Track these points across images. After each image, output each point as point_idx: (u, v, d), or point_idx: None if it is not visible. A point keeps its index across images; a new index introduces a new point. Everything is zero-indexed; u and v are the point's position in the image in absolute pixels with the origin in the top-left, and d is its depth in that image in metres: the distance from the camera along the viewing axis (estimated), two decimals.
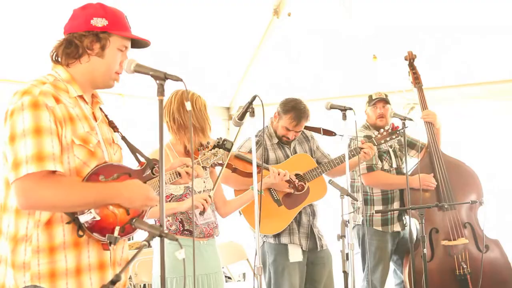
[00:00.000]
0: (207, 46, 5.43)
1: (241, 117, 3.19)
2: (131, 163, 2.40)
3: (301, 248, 4.01)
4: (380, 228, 4.50)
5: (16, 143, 2.00)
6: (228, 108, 6.66)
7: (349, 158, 3.81)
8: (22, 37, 4.13)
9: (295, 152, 4.16)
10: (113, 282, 1.75)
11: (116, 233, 2.12)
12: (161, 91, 2.04)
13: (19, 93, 2.07)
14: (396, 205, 4.48)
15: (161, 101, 2.03)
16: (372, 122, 4.62)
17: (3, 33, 4.06)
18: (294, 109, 4.00)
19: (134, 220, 2.07)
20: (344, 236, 3.13)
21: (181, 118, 3.19)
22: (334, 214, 3.91)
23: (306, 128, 4.18)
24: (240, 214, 3.83)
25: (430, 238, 4.35)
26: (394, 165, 4.56)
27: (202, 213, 3.14)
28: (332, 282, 4.19)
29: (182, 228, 3.19)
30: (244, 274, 5.56)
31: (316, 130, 4.22)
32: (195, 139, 3.18)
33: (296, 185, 3.85)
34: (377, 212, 4.37)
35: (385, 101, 4.59)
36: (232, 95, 6.54)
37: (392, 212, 4.47)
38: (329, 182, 3.62)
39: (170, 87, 2.27)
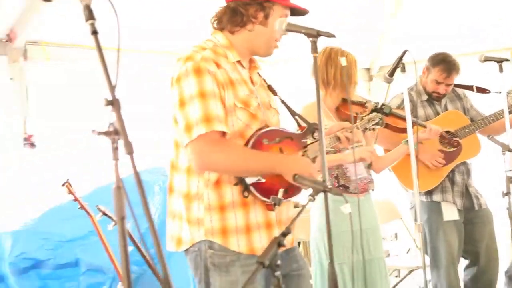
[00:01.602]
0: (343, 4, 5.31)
1: (391, 73, 3.13)
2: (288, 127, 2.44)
3: (456, 206, 3.86)
4: None
5: (185, 107, 2.11)
6: (368, 69, 6.52)
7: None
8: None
9: (446, 110, 3.99)
10: (284, 234, 1.81)
11: (280, 195, 2.17)
12: (314, 48, 2.09)
13: (183, 59, 2.17)
14: None
15: (315, 58, 2.11)
16: None
17: (167, 8, 4.26)
18: (443, 62, 3.83)
19: (296, 176, 2.11)
20: (510, 193, 2.98)
21: (329, 75, 3.20)
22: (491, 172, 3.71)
23: (458, 86, 3.98)
24: (390, 171, 3.77)
25: None
26: None
27: (369, 165, 3.14)
28: (495, 242, 3.98)
29: (337, 184, 3.20)
30: (396, 234, 5.46)
31: (469, 88, 4.00)
32: (339, 95, 3.22)
33: (451, 141, 3.71)
34: None
35: None
36: (372, 56, 6.37)
37: None
38: (488, 137, 3.44)
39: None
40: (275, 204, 2.17)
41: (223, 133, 2.12)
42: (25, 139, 4.42)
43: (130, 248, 3.56)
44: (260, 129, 2.22)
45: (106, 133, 1.33)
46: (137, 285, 3.35)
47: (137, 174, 1.34)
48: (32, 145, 4.41)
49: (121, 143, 1.33)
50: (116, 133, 1.32)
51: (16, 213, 3.70)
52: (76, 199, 3.01)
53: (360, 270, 3.08)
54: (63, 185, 3.01)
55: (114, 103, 1.33)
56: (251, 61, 2.38)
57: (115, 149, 1.34)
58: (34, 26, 4.22)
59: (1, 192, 3.97)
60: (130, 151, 1.32)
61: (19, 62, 4.32)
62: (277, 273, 1.75)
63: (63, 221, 3.61)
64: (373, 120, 2.96)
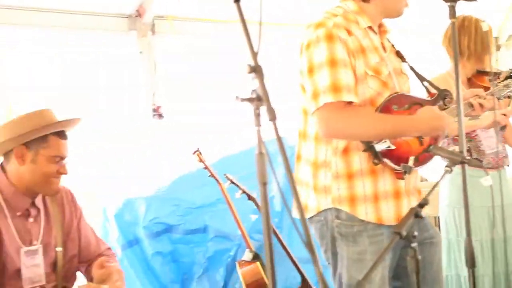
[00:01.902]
0: None
1: None
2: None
3: None
4: None
5: (314, 74, 2.08)
6: (496, 38, 6.15)
7: None
8: None
9: None
10: (421, 205, 1.75)
11: (410, 163, 2.10)
12: (452, 14, 2.01)
13: (313, 25, 2.13)
14: None
15: (453, 24, 2.03)
16: None
17: None
18: None
19: (431, 147, 2.03)
20: None
21: (463, 44, 3.02)
22: None
23: None
24: None
25: None
26: None
27: (503, 128, 2.96)
28: None
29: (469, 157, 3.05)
30: None
31: None
32: (473, 66, 3.01)
33: None
34: None
35: None
36: (499, 24, 6.00)
37: None
38: None
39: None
40: (405, 172, 2.11)
41: (349, 102, 2.06)
42: (154, 110, 4.62)
43: (255, 216, 3.65)
44: (390, 95, 2.15)
45: (250, 100, 1.34)
46: (262, 252, 3.41)
47: (280, 140, 1.34)
48: (160, 116, 4.61)
49: (263, 109, 1.34)
50: (259, 99, 1.33)
51: (149, 180, 3.88)
52: (206, 167, 3.10)
53: (500, 248, 2.93)
54: (194, 153, 3.10)
55: (257, 69, 1.34)
56: (380, 25, 2.30)
57: (258, 116, 1.35)
58: (161, 2, 4.37)
59: (133, 161, 4.20)
60: (273, 117, 1.32)
61: (147, 36, 4.51)
62: (414, 244, 1.71)
63: (193, 188, 3.74)
64: (508, 87, 2.78)
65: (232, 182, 3.14)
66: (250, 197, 3.18)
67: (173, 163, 4.07)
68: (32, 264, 2.26)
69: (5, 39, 3.87)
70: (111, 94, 4.43)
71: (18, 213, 2.26)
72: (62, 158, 2.28)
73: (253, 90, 1.35)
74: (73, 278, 2.45)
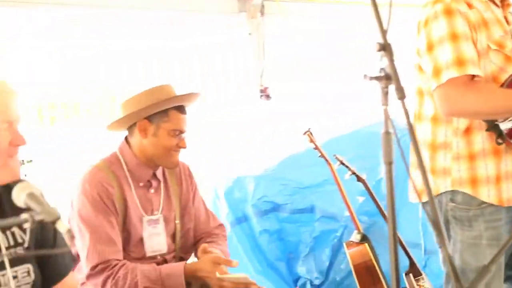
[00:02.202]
0: None
1: None
2: None
3: None
4: None
5: (434, 50, 2.01)
6: None
7: None
8: None
9: None
10: None
11: None
12: None
13: (431, 2, 2.06)
14: None
15: None
16: None
17: None
18: None
19: None
20: None
21: None
22: None
23: None
24: None
25: None
26: None
27: None
28: None
29: None
30: None
31: None
32: None
33: None
34: None
35: None
36: None
37: None
38: None
39: None
40: None
41: (473, 77, 1.98)
42: (261, 91, 4.67)
43: (362, 198, 3.61)
44: None
45: (377, 78, 1.32)
46: (369, 234, 3.37)
47: (409, 119, 1.31)
48: (268, 96, 4.65)
49: (392, 88, 1.32)
50: (387, 78, 1.31)
51: (258, 159, 3.94)
52: (316, 148, 3.10)
53: None
54: (305, 133, 3.11)
55: (386, 47, 1.31)
56: None
57: (386, 94, 1.33)
58: None
59: (241, 140, 4.28)
60: (402, 96, 1.29)
61: (257, 17, 4.55)
62: None
63: (301, 168, 3.75)
64: None
65: (342, 163, 3.12)
66: (359, 179, 3.15)
67: (280, 143, 4.10)
68: (154, 233, 2.37)
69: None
70: (220, 75, 4.52)
71: (141, 184, 2.37)
72: (182, 132, 2.35)
73: (382, 69, 1.33)
74: (190, 250, 2.54)
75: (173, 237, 2.45)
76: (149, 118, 2.31)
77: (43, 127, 3.56)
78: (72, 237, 1.23)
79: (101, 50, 3.66)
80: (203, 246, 2.34)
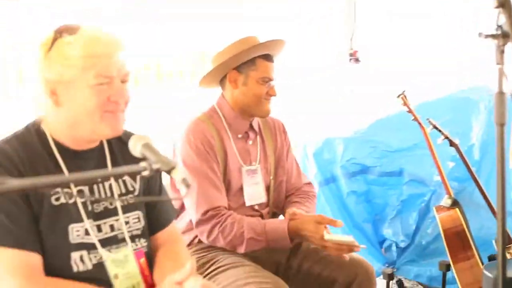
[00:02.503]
0: None
1: None
2: None
3: None
4: None
5: None
6: None
7: None
8: None
9: None
10: None
11: None
12: None
13: None
14: None
15: None
16: None
17: None
18: None
19: None
20: None
21: None
22: None
23: None
24: None
25: None
26: None
27: None
28: None
29: None
30: None
31: None
32: None
33: None
34: None
35: None
36: None
37: None
38: None
39: None
40: None
41: None
42: (351, 54, 4.59)
43: (452, 163, 3.50)
44: None
45: (494, 36, 1.25)
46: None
47: None
48: (357, 60, 4.56)
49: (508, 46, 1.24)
50: (505, 36, 1.24)
51: (348, 121, 3.89)
52: (410, 111, 3.01)
53: None
54: (399, 96, 3.02)
55: (505, 4, 1.24)
56: None
57: (501, 53, 1.26)
58: None
59: (331, 103, 4.23)
60: None
61: None
62: None
63: (390, 132, 3.68)
64: None
65: (435, 127, 3.02)
66: (452, 143, 3.04)
67: (371, 106, 4.02)
68: (253, 183, 2.41)
69: None
70: (310, 36, 4.45)
71: (239, 136, 2.42)
72: (270, 79, 2.36)
73: (499, 26, 1.25)
74: (280, 205, 2.56)
75: (267, 189, 2.47)
76: (237, 69, 2.35)
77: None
78: (188, 185, 1.25)
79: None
80: (292, 211, 2.33)
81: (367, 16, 4.50)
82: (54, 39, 1.47)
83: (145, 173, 1.25)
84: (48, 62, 1.47)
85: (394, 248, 3.65)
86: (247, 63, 2.33)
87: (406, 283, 3.75)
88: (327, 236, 2.14)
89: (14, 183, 0.99)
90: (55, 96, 1.50)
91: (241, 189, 2.37)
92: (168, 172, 1.28)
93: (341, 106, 4.17)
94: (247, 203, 2.38)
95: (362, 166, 3.66)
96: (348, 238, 2.17)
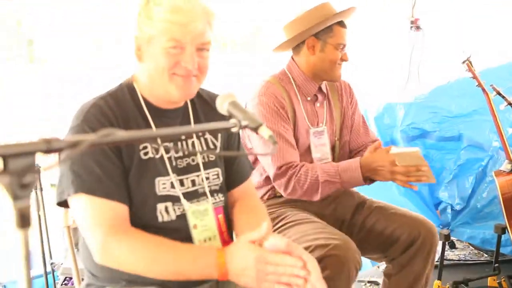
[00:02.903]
0: None
1: None
2: None
3: None
4: None
5: None
6: None
7: None
8: None
9: None
10: None
11: None
12: None
13: None
14: None
15: None
16: None
17: None
18: None
19: None
20: None
21: None
22: None
23: None
24: None
25: None
26: None
27: None
28: None
29: None
30: None
31: None
32: None
33: None
34: None
35: None
36: None
37: None
38: None
39: None
40: None
41: None
42: (412, 22, 4.50)
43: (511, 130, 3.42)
44: None
45: None
46: None
47: None
48: (418, 28, 4.47)
49: None
50: None
51: (410, 86, 3.86)
52: (475, 77, 2.95)
53: None
54: (463, 62, 2.96)
55: None
56: None
57: None
58: None
59: (392, 68, 4.19)
60: None
61: None
62: None
63: (451, 98, 3.64)
64: None
65: (499, 93, 2.95)
66: None
67: (432, 72, 3.96)
68: (320, 144, 2.42)
69: None
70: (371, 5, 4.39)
71: (308, 98, 2.42)
72: (345, 45, 2.36)
73: None
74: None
75: (332, 148, 2.50)
76: (316, 35, 2.35)
77: None
78: (275, 142, 1.28)
79: None
80: (378, 142, 2.34)
81: None
82: (148, 1, 1.53)
83: (235, 129, 1.28)
84: (138, 19, 1.54)
85: (449, 210, 3.65)
86: (324, 30, 2.33)
87: (458, 245, 3.75)
88: (394, 150, 2.13)
89: (122, 134, 1.02)
90: (139, 52, 1.56)
91: (308, 148, 2.40)
92: (255, 129, 1.30)
93: (400, 72, 4.12)
94: (315, 162, 2.40)
95: (422, 130, 3.64)
96: (415, 149, 2.11)
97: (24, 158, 0.80)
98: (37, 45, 3.20)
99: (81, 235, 1.56)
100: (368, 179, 2.25)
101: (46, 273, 2.83)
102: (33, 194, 3.08)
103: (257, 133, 1.31)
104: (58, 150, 0.86)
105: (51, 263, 2.98)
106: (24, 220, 0.79)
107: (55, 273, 2.96)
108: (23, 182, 0.79)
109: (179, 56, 1.51)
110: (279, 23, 2.52)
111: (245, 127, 1.30)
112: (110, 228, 1.45)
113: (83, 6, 3.14)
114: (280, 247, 1.42)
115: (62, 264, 2.80)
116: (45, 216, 2.88)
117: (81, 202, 1.47)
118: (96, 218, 1.46)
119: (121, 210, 1.49)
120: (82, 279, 1.73)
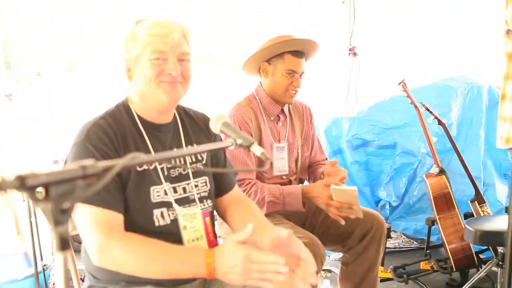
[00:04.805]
0: None
1: None
2: None
3: None
4: None
5: None
6: None
7: None
8: None
9: None
10: None
11: None
12: None
13: None
14: None
15: None
16: None
17: None
18: None
19: None
20: None
21: None
22: None
23: None
24: None
25: None
26: None
27: None
28: None
29: None
30: None
31: None
32: None
33: None
34: None
35: None
36: None
37: None
38: None
39: None
40: None
41: None
42: (350, 49, 4.57)
43: (435, 138, 3.51)
44: None
45: None
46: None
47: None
48: (355, 54, 4.55)
49: None
50: None
51: (352, 104, 3.90)
52: (408, 96, 3.03)
53: None
54: (399, 84, 3.03)
55: None
56: None
57: None
58: None
59: (336, 87, 4.23)
60: None
61: None
62: None
63: (386, 112, 3.71)
64: None
65: (427, 109, 3.05)
66: (440, 122, 3.07)
67: (369, 91, 4.03)
68: (280, 157, 2.40)
69: None
70: (316, 36, 4.44)
71: (272, 118, 2.40)
72: (295, 72, 2.29)
73: None
74: (305, 173, 2.57)
75: (296, 162, 2.49)
76: (268, 61, 2.33)
77: None
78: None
79: None
80: (334, 160, 2.29)
81: (363, 18, 4.48)
82: (133, 28, 1.52)
83: (231, 148, 1.26)
84: (126, 43, 1.53)
85: (387, 207, 3.71)
86: (276, 57, 2.30)
87: (392, 234, 3.82)
88: (333, 187, 2.06)
89: (143, 157, 1.00)
90: (129, 72, 1.55)
91: (272, 162, 2.39)
92: (248, 147, 1.28)
93: (343, 89, 4.18)
94: (274, 173, 2.39)
95: (364, 140, 3.69)
96: (352, 188, 2.05)
97: (63, 185, 0.75)
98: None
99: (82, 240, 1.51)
100: (305, 204, 2.26)
101: (37, 273, 2.75)
102: (25, 202, 2.96)
103: (249, 150, 1.29)
104: (94, 175, 0.81)
105: (44, 265, 2.89)
106: (64, 244, 0.74)
107: (45, 272, 2.89)
108: (62, 208, 0.74)
109: (163, 66, 1.50)
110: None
111: (240, 145, 1.28)
112: (106, 233, 1.41)
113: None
114: (282, 235, 1.45)
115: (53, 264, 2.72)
116: (36, 222, 2.79)
117: (80, 211, 1.42)
118: (93, 224, 1.41)
119: (116, 218, 1.44)
120: (71, 279, 1.66)
